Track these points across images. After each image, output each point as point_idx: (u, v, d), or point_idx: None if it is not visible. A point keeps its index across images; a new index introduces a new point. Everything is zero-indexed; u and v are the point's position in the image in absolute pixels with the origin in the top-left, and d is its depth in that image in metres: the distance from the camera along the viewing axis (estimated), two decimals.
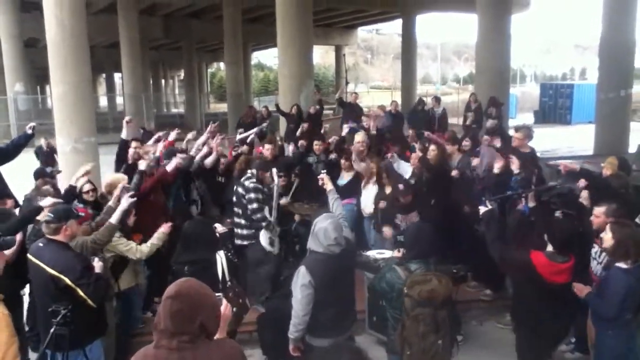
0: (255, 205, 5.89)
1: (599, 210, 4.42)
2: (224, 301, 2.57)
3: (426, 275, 3.72)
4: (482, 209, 4.51)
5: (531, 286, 4.14)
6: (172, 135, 7.81)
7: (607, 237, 3.97)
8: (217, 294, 2.59)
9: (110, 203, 4.89)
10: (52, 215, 3.79)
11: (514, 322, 4.72)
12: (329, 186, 4.58)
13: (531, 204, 5.41)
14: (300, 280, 3.78)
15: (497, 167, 6.05)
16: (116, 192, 4.93)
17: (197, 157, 6.91)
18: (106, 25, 24.85)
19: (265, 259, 5.93)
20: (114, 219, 4.41)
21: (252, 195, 5.90)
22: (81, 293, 3.67)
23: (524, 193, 5.46)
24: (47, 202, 4.61)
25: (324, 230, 3.80)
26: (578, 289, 4.12)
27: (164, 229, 4.97)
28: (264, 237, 5.91)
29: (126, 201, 4.56)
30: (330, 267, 3.82)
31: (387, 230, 6.32)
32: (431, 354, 3.62)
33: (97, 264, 3.99)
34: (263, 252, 5.92)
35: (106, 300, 4.08)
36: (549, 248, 4.11)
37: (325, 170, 4.97)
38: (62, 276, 3.64)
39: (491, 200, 4.86)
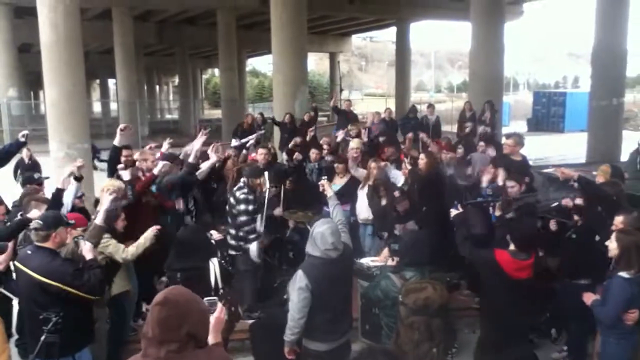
0: (244, 218, 5.81)
1: (619, 220, 4.43)
2: (219, 305, 2.53)
3: (421, 283, 3.74)
4: (454, 212, 4.63)
5: (496, 283, 4.22)
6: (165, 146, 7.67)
7: (613, 246, 4.05)
8: (212, 298, 2.58)
9: (98, 208, 4.85)
10: (41, 223, 3.76)
11: (480, 319, 4.77)
12: (329, 192, 4.62)
13: (497, 213, 5.61)
14: (297, 284, 3.81)
15: (485, 180, 6.05)
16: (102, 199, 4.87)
17: (202, 166, 6.66)
18: (100, 31, 24.80)
19: (251, 271, 5.89)
20: (98, 219, 4.40)
21: (242, 207, 5.80)
22: (78, 292, 3.65)
23: (494, 201, 5.66)
24: (34, 214, 4.57)
25: (321, 234, 3.83)
26: (586, 297, 4.23)
27: (152, 231, 4.89)
28: (253, 250, 5.83)
29: (107, 200, 4.53)
30: (327, 271, 3.85)
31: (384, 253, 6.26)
32: None
33: (86, 247, 3.92)
34: (250, 264, 5.85)
35: (102, 293, 4.02)
36: (512, 247, 4.22)
37: (325, 177, 4.99)
38: (54, 282, 3.60)
39: (464, 204, 5.04)
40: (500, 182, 5.84)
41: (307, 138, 9.40)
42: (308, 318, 3.84)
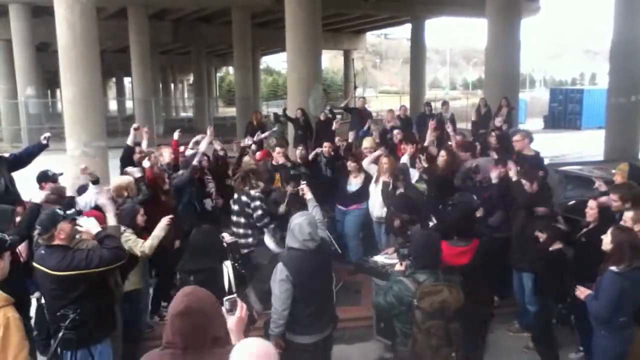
0: (260, 212, 6.01)
1: (629, 215, 4.45)
2: (239, 302, 2.47)
3: (436, 286, 3.65)
4: None
5: None
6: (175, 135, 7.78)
7: (607, 241, 4.09)
8: (232, 296, 2.52)
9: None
10: (39, 227, 3.84)
11: None
12: (308, 195, 4.79)
13: None
14: (279, 276, 3.92)
15: (494, 176, 5.95)
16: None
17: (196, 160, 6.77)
18: (116, 30, 25.00)
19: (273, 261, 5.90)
20: (110, 220, 4.43)
21: (258, 203, 6.02)
22: (102, 268, 3.71)
23: None
24: (40, 196, 4.63)
25: (299, 225, 3.95)
26: (580, 291, 4.23)
27: (165, 221, 4.92)
28: (268, 239, 6.01)
29: (105, 201, 4.57)
30: (306, 262, 3.96)
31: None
32: None
33: (88, 222, 3.98)
34: (270, 255, 5.92)
35: (125, 256, 4.06)
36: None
37: (305, 182, 5.06)
38: (74, 272, 3.65)
39: None
40: (513, 177, 5.70)
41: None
42: (291, 311, 3.94)
